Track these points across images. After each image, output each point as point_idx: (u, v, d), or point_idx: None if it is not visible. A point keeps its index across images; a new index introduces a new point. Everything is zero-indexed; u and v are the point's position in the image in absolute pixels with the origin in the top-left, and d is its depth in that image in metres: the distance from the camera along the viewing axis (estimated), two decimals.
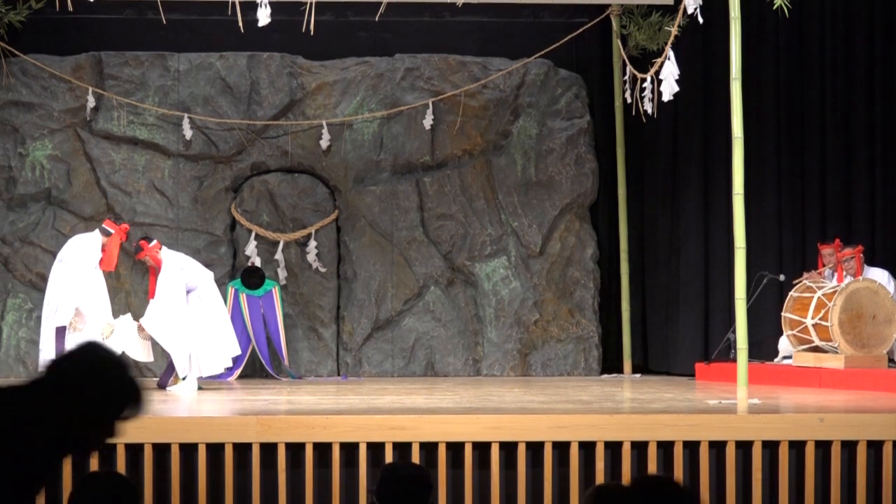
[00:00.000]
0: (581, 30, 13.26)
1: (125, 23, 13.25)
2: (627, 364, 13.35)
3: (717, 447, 7.97)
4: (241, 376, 12.56)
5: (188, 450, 7.80)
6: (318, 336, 13.13)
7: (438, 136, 13.26)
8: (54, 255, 12.15)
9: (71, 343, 10.65)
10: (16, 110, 13.00)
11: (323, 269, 13.12)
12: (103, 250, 10.91)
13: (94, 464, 7.71)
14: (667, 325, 13.34)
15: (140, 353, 11.12)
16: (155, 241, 11.24)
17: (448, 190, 13.26)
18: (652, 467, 7.87)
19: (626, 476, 7.84)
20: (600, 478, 7.83)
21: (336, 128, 13.18)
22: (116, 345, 10.93)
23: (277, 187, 13.20)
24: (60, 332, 10.71)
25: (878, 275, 11.89)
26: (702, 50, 13.03)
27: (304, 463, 7.80)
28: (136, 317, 11.15)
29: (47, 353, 10.72)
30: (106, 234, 10.97)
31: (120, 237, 11.03)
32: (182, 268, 11.11)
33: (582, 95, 13.51)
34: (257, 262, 12.94)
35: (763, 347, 12.44)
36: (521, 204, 13.27)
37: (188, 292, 11.12)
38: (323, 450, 7.82)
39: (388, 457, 7.77)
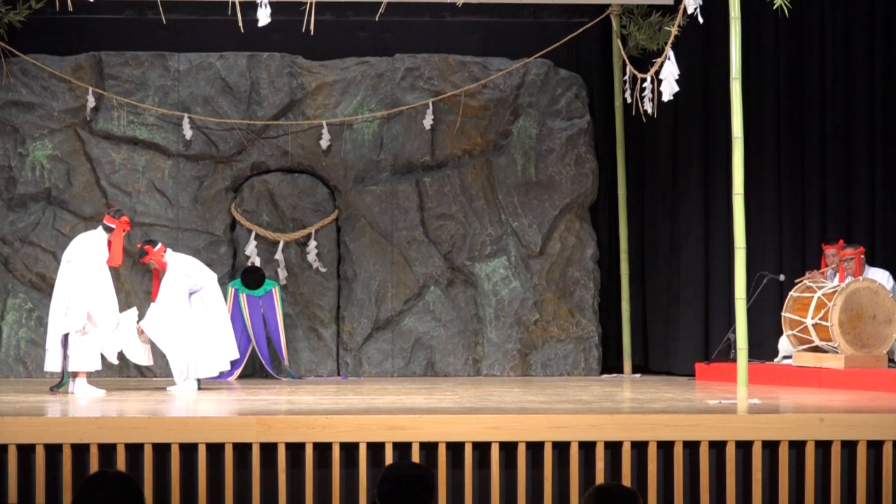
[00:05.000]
0: (581, 30, 13.25)
1: (125, 23, 13.25)
2: (627, 364, 13.35)
3: (717, 447, 7.97)
4: (241, 376, 12.56)
5: (188, 450, 7.79)
6: (318, 336, 13.13)
7: (438, 136, 13.26)
8: (54, 254, 12.16)
9: (76, 345, 10.60)
10: (16, 110, 13.00)
11: (323, 269, 13.11)
12: (109, 246, 10.85)
13: (94, 463, 7.72)
14: (667, 325, 13.34)
15: (140, 356, 11.10)
16: (160, 245, 11.23)
17: (448, 190, 13.26)
18: (652, 467, 7.87)
19: (627, 476, 7.84)
20: (600, 478, 7.83)
21: (336, 128, 13.18)
22: (119, 342, 10.91)
23: (277, 187, 13.20)
24: (65, 335, 10.64)
25: (879, 275, 11.89)
26: (702, 50, 13.03)
27: (304, 463, 7.80)
28: (138, 317, 11.14)
29: (54, 357, 10.66)
30: (108, 230, 10.90)
31: (123, 229, 10.94)
32: (187, 273, 11.09)
33: (582, 95, 13.51)
34: (257, 261, 12.94)
35: (763, 347, 12.43)
36: (521, 204, 13.27)
37: (191, 294, 11.11)
38: (323, 450, 7.82)
39: (389, 457, 7.77)
